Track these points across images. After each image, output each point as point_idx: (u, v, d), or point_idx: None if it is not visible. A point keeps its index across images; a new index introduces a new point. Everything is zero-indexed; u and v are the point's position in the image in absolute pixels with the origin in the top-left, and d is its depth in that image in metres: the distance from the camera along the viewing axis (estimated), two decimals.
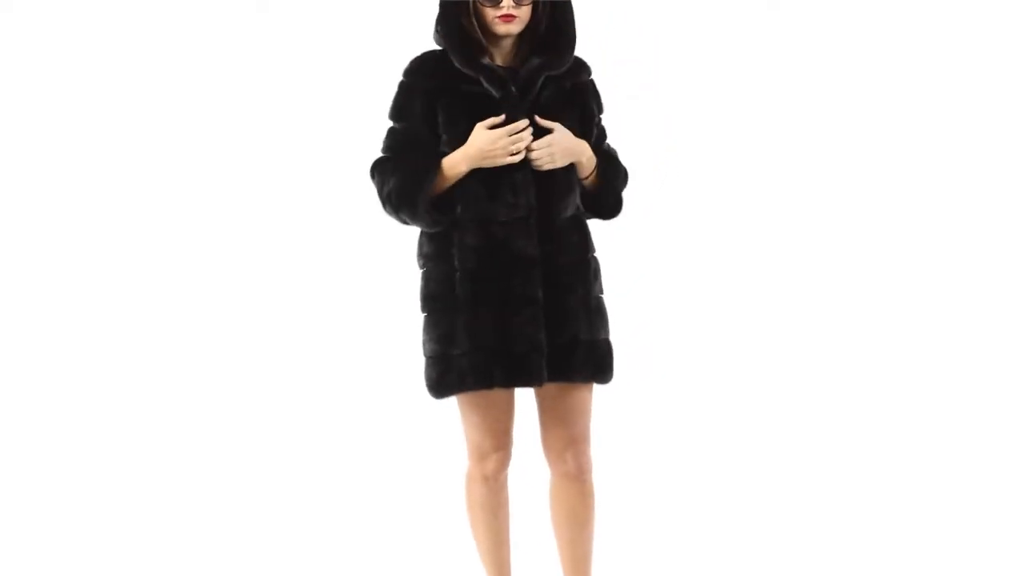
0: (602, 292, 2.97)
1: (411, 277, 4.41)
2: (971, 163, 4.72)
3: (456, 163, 2.83)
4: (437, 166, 2.84)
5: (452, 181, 2.84)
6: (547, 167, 2.84)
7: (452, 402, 2.93)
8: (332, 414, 4.60)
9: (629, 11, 4.52)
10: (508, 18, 2.85)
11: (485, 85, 2.85)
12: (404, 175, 2.85)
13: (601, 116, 3.03)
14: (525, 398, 3.00)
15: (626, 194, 3.03)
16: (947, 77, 4.71)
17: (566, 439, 2.95)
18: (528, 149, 2.83)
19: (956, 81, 4.71)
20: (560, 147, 2.85)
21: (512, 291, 2.84)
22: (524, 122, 2.82)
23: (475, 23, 2.87)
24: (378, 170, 2.91)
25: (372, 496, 4.25)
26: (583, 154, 2.89)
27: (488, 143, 2.80)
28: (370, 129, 4.53)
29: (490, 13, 2.86)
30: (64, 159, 4.72)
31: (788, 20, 4.71)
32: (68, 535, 3.99)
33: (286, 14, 4.74)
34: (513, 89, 2.85)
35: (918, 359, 4.65)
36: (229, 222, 4.73)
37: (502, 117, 2.82)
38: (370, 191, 2.95)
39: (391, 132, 2.93)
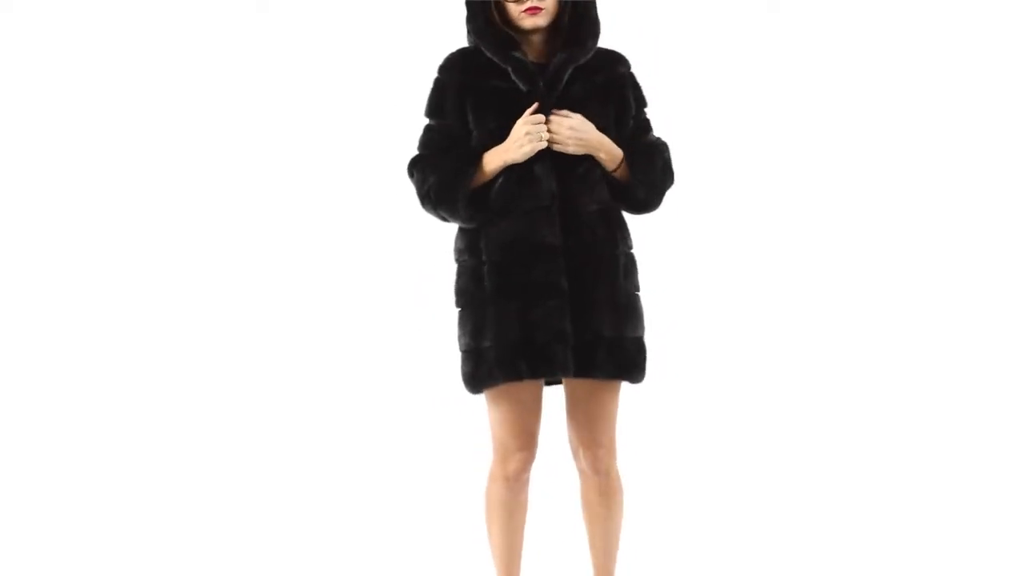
0: (637, 289, 2.98)
1: (415, 276, 4.47)
2: (972, 164, 4.72)
3: (492, 159, 2.87)
4: (476, 163, 2.87)
5: (489, 177, 2.88)
6: (557, 148, 2.86)
7: (479, 401, 2.96)
8: (348, 413, 4.62)
9: (628, 13, 4.52)
10: (534, 11, 2.87)
11: (513, 78, 2.86)
12: (444, 172, 2.88)
13: (645, 109, 3.03)
14: (553, 399, 3.02)
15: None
16: (948, 78, 4.71)
17: (588, 437, 2.97)
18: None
19: (956, 82, 4.71)
20: (575, 133, 2.86)
21: (535, 281, 2.86)
22: (540, 116, 2.84)
23: (497, 20, 2.88)
24: (416, 168, 2.94)
25: (385, 494, 4.27)
26: (600, 149, 2.90)
27: (513, 133, 2.84)
28: (370, 128, 4.60)
29: (514, 9, 2.88)
30: (65, 159, 4.71)
31: (788, 22, 4.71)
32: (68, 535, 3.99)
33: (286, 14, 4.74)
34: (541, 84, 2.87)
35: (955, 355, 4.63)
36: (231, 222, 4.73)
37: (535, 107, 2.85)
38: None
39: (427, 129, 2.97)
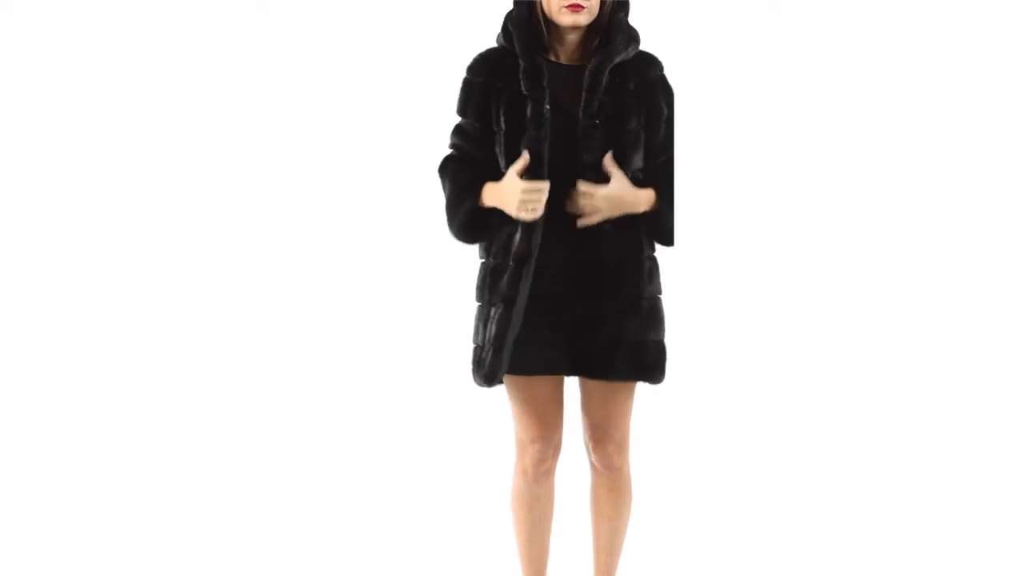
0: (660, 292, 2.99)
1: (417, 276, 4.47)
2: (978, 166, 4.70)
3: (489, 196, 2.88)
4: (475, 192, 2.89)
5: (489, 205, 2.89)
6: (594, 220, 2.85)
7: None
8: (355, 413, 4.61)
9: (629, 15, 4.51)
10: (575, 8, 2.81)
11: (520, 76, 2.85)
12: (452, 189, 2.93)
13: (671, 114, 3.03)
14: (569, 393, 3.04)
15: None
16: (952, 81, 4.69)
17: (600, 434, 3.00)
18: (581, 195, 2.84)
19: (960, 85, 4.69)
20: (608, 203, 2.84)
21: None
22: (537, 185, 2.79)
23: (541, 16, 2.86)
24: (442, 172, 2.99)
25: (397, 493, 4.28)
26: (634, 206, 2.89)
27: (508, 192, 2.81)
28: (372, 129, 4.59)
29: (555, 3, 2.83)
30: (65, 160, 4.70)
31: (790, 24, 4.70)
32: (68, 535, 3.98)
33: (287, 15, 4.72)
34: (545, 85, 2.83)
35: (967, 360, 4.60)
36: (232, 224, 4.72)
37: (526, 158, 2.80)
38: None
39: (456, 128, 2.98)
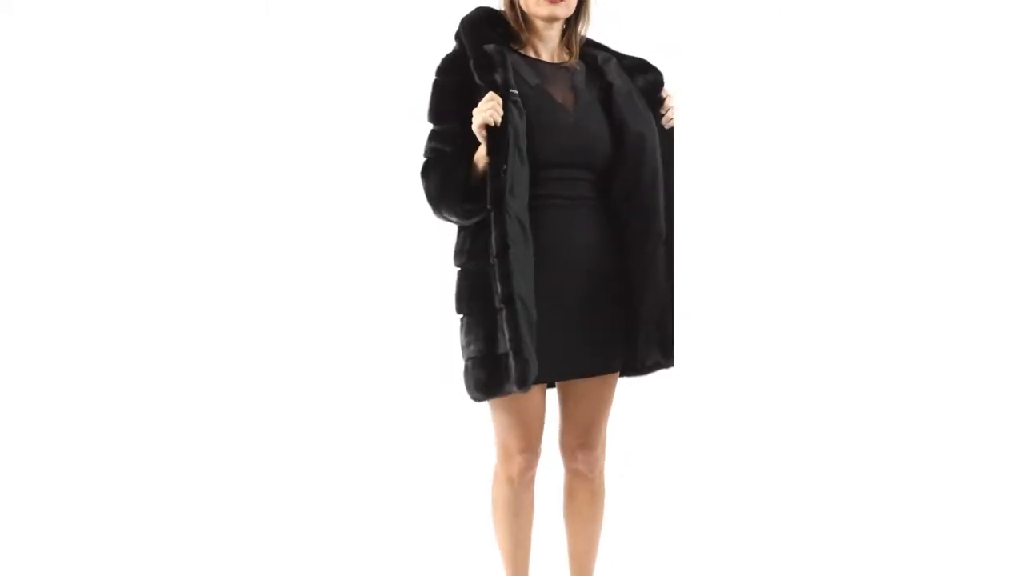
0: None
1: (417, 279, 4.47)
2: (985, 169, 4.70)
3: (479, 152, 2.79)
4: (468, 155, 2.78)
5: (482, 167, 2.76)
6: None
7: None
8: (350, 415, 4.61)
9: (632, 17, 4.52)
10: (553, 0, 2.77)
11: (471, 67, 2.78)
12: (441, 170, 2.80)
13: None
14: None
15: None
16: (958, 83, 4.68)
17: (587, 439, 2.94)
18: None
19: (967, 88, 4.68)
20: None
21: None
22: (494, 96, 2.73)
23: (518, 11, 2.80)
24: (423, 175, 2.84)
25: (390, 496, 4.27)
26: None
27: (475, 115, 2.73)
28: (374, 130, 4.59)
29: None
30: (66, 160, 4.70)
31: (794, 25, 4.70)
32: (68, 535, 3.99)
33: (289, 17, 4.73)
34: (497, 78, 2.75)
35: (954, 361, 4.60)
36: (236, 225, 4.72)
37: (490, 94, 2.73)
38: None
39: (432, 134, 2.87)
